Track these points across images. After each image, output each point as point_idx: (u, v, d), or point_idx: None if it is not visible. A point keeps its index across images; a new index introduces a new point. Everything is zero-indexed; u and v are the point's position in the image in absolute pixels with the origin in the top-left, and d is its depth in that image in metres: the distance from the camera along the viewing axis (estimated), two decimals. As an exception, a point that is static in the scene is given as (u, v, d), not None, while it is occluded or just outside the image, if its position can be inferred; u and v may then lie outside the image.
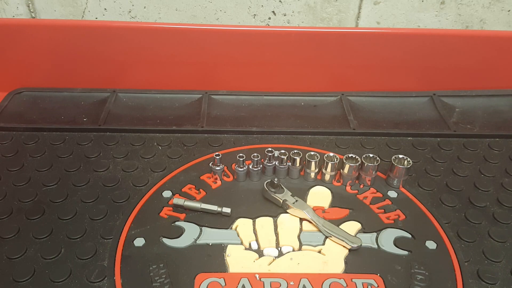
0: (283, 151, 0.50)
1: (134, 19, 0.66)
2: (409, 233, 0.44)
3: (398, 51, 0.64)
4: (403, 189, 0.50)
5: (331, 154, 0.50)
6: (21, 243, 0.43)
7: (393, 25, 0.67)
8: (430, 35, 0.63)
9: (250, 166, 0.50)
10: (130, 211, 0.46)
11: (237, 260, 0.41)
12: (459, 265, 0.41)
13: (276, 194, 0.47)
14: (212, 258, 0.41)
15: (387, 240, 0.44)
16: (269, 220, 0.46)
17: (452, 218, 0.46)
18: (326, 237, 0.44)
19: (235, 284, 0.39)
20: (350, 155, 0.50)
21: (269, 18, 0.66)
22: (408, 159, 0.50)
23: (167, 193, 0.49)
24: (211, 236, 0.44)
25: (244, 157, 0.50)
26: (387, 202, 0.48)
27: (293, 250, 0.43)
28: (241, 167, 0.50)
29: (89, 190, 0.49)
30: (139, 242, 0.43)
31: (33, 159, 0.54)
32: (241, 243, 0.43)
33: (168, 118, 0.61)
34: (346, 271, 0.41)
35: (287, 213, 0.47)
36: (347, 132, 0.59)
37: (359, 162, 0.49)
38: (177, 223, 0.45)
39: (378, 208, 0.47)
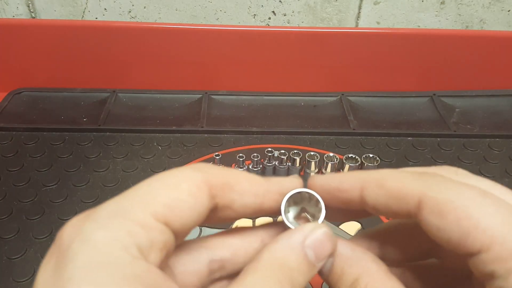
0: (283, 151, 0.50)
1: (134, 19, 0.66)
2: (409, 233, 0.44)
3: (398, 51, 0.64)
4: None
5: (331, 154, 0.50)
6: (21, 243, 0.43)
7: (393, 25, 0.67)
8: (430, 35, 0.63)
9: (250, 166, 0.50)
10: (130, 211, 0.46)
11: (237, 260, 0.41)
12: (459, 265, 0.41)
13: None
14: (212, 258, 0.41)
15: (387, 240, 0.44)
16: (269, 220, 0.46)
17: (452, 218, 0.46)
18: (326, 237, 0.44)
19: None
20: (350, 155, 0.50)
21: (269, 18, 0.66)
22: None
23: (167, 193, 0.49)
24: (211, 236, 0.44)
25: (244, 157, 0.50)
26: (387, 202, 0.48)
27: (293, 250, 0.43)
28: (241, 168, 0.50)
29: (89, 190, 0.49)
30: (139, 242, 0.43)
31: (33, 159, 0.54)
32: (241, 243, 0.43)
33: (168, 118, 0.61)
34: (346, 271, 0.41)
35: (287, 213, 0.47)
36: (347, 132, 0.59)
37: (359, 162, 0.49)
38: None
39: (378, 208, 0.47)
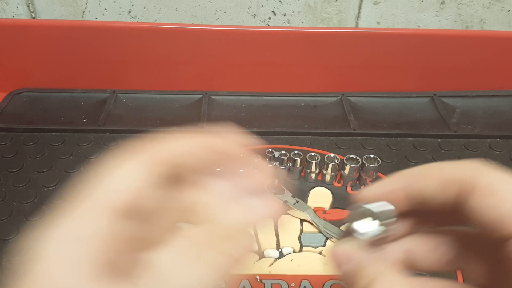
0: (284, 152, 0.50)
1: (134, 19, 0.66)
2: (410, 234, 0.44)
3: (398, 51, 0.64)
4: (403, 190, 0.50)
5: (332, 155, 0.50)
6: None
7: (393, 25, 0.67)
8: (430, 35, 0.63)
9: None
10: (131, 212, 0.46)
11: (238, 261, 0.41)
12: (460, 266, 0.41)
13: (277, 195, 0.47)
14: (213, 260, 0.41)
15: (388, 241, 0.44)
16: (270, 221, 0.46)
17: (452, 219, 0.46)
18: (327, 238, 0.44)
19: (236, 286, 0.39)
20: (350, 156, 0.50)
21: (269, 18, 0.66)
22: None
23: (167, 194, 0.48)
24: (211, 237, 0.44)
25: (245, 158, 0.50)
26: (388, 203, 0.48)
27: (294, 252, 0.43)
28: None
29: (89, 191, 0.49)
30: (139, 243, 0.43)
31: (33, 160, 0.53)
32: (242, 244, 0.43)
33: (168, 119, 0.61)
34: (346, 272, 0.41)
35: (288, 214, 0.47)
36: (348, 133, 0.59)
37: (360, 163, 0.49)
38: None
39: (378, 209, 0.47)
